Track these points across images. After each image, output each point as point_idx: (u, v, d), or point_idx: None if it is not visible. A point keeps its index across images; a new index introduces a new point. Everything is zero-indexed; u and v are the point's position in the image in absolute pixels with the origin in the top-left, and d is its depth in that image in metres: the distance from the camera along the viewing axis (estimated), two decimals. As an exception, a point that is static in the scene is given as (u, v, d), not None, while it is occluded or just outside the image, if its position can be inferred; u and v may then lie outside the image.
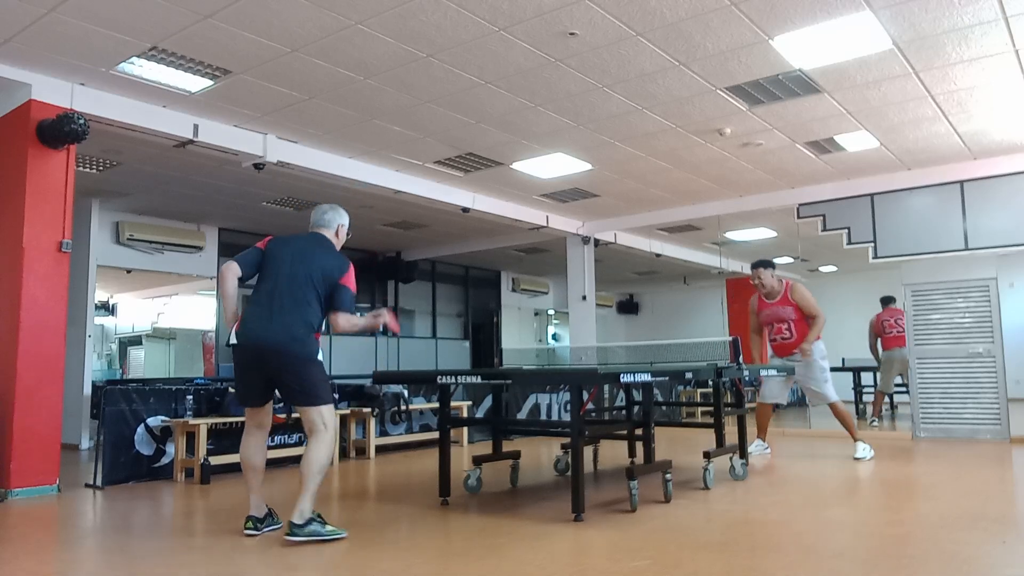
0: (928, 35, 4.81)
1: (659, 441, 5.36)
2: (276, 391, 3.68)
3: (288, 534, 3.39)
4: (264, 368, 3.57)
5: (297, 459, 6.22)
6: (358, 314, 3.72)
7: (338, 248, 3.84)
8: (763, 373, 5.98)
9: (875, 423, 8.83)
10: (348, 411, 6.71)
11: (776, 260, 12.98)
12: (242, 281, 3.63)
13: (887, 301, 9.17)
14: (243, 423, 5.87)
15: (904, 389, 8.98)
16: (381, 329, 3.81)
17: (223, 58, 5.00)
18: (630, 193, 8.78)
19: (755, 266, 6.25)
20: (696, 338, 8.97)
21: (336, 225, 3.87)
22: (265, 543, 3.45)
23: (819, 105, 6.01)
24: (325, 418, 3.55)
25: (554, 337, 15.81)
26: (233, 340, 3.59)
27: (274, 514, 3.76)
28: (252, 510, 3.67)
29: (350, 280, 3.69)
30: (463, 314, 13.85)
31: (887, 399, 9.89)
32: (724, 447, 5.12)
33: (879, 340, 9.17)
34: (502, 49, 4.94)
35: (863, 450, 6.07)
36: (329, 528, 3.47)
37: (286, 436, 6.23)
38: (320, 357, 3.62)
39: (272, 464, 6.07)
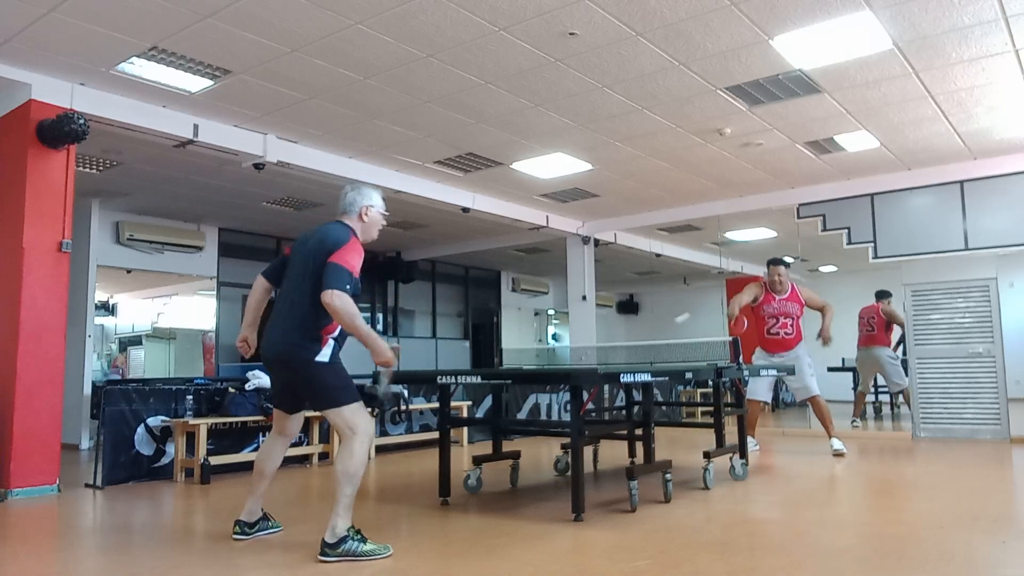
0: (928, 35, 4.81)
1: (659, 441, 5.36)
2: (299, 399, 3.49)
3: (320, 554, 3.10)
4: (281, 374, 3.42)
5: (292, 461, 6.24)
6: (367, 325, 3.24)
7: (367, 234, 3.49)
8: (763, 373, 5.99)
9: (856, 423, 8.79)
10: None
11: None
12: (272, 287, 3.56)
13: (879, 296, 8.96)
14: (243, 423, 5.92)
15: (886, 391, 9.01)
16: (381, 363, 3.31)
17: (223, 58, 5.00)
18: (630, 193, 8.78)
19: (777, 263, 6.70)
20: (696, 338, 8.96)
21: (359, 208, 3.47)
22: (264, 543, 3.44)
23: (819, 105, 6.01)
24: (349, 420, 3.22)
25: (554, 337, 15.81)
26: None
27: (270, 517, 3.61)
28: (243, 515, 3.51)
29: (342, 256, 3.20)
30: (463, 314, 13.85)
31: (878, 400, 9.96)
32: (724, 447, 5.12)
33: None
34: (502, 49, 4.94)
35: (838, 444, 6.41)
36: (369, 546, 3.13)
37: (286, 436, 6.22)
38: (325, 357, 3.28)
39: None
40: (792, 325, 6.53)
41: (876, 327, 8.80)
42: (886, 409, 10.37)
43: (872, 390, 9.57)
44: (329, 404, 3.26)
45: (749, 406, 6.61)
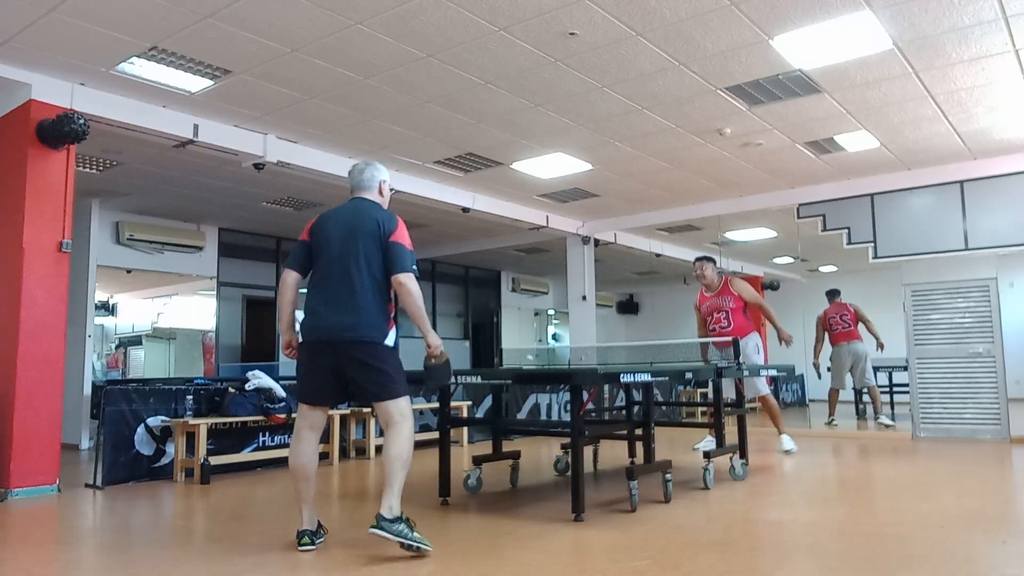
0: (928, 35, 4.81)
1: (659, 441, 5.36)
2: (345, 391, 3.37)
3: (375, 526, 3.09)
4: (335, 362, 3.25)
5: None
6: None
7: (384, 207, 3.50)
8: (763, 373, 5.99)
9: (834, 422, 8.81)
10: (348, 411, 6.71)
11: (776, 260, 13.01)
12: (304, 278, 3.42)
13: (832, 295, 9.20)
14: (243, 423, 5.91)
15: (892, 387, 9.06)
16: (435, 364, 3.37)
17: (223, 58, 5.00)
18: (630, 193, 8.78)
19: (698, 260, 6.76)
20: (696, 338, 8.95)
21: (377, 182, 3.53)
22: (263, 544, 3.44)
23: (819, 105, 6.01)
24: (403, 408, 3.26)
25: (554, 337, 15.81)
26: (299, 338, 3.36)
27: (323, 526, 3.46)
28: (305, 524, 3.32)
29: (403, 236, 3.31)
30: (463, 314, 13.85)
31: (868, 396, 9.94)
32: (724, 447, 5.11)
33: (827, 336, 9.15)
34: (502, 49, 4.94)
35: (788, 442, 6.48)
36: (416, 535, 3.16)
37: (286, 436, 6.22)
38: (391, 341, 3.28)
39: (272, 464, 6.09)
40: (727, 318, 6.47)
41: (851, 323, 8.98)
42: (886, 409, 10.35)
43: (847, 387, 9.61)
44: (389, 394, 3.24)
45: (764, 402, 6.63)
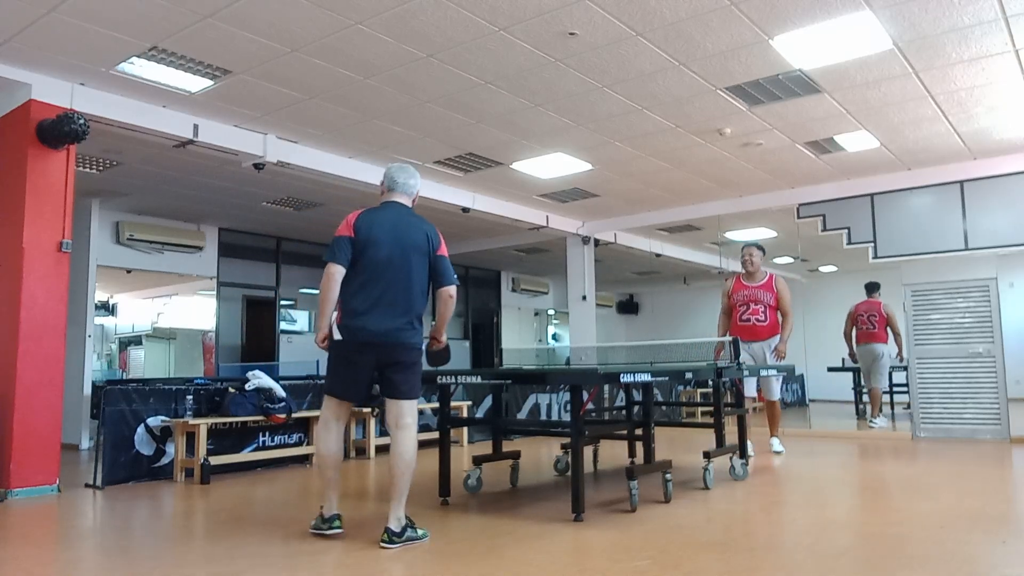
0: (928, 35, 4.81)
1: (659, 441, 5.36)
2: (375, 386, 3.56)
3: (385, 541, 3.27)
4: (375, 362, 3.44)
5: (297, 459, 6.24)
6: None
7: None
8: (763, 374, 5.99)
9: (874, 423, 8.82)
10: (348, 411, 6.70)
11: (776, 260, 13.02)
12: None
13: (870, 289, 9.12)
14: (243, 423, 5.91)
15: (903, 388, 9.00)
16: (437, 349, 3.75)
17: (223, 58, 5.00)
18: (630, 193, 8.78)
19: (748, 246, 6.71)
20: (696, 338, 8.95)
21: (415, 190, 3.74)
22: (260, 544, 3.44)
23: (819, 105, 6.01)
24: (414, 411, 3.49)
25: (554, 337, 15.81)
26: (337, 335, 3.44)
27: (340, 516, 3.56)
28: (333, 508, 3.48)
29: (445, 249, 3.60)
30: (463, 314, 13.85)
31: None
32: (724, 447, 5.12)
33: (854, 331, 9.12)
34: (502, 49, 4.94)
35: (778, 445, 6.56)
36: (420, 531, 3.41)
37: (286, 436, 6.23)
38: (423, 346, 3.57)
39: (272, 464, 6.09)
40: (764, 312, 6.42)
41: (877, 325, 8.89)
42: (886, 409, 10.36)
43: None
44: (413, 393, 3.49)
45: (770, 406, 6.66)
